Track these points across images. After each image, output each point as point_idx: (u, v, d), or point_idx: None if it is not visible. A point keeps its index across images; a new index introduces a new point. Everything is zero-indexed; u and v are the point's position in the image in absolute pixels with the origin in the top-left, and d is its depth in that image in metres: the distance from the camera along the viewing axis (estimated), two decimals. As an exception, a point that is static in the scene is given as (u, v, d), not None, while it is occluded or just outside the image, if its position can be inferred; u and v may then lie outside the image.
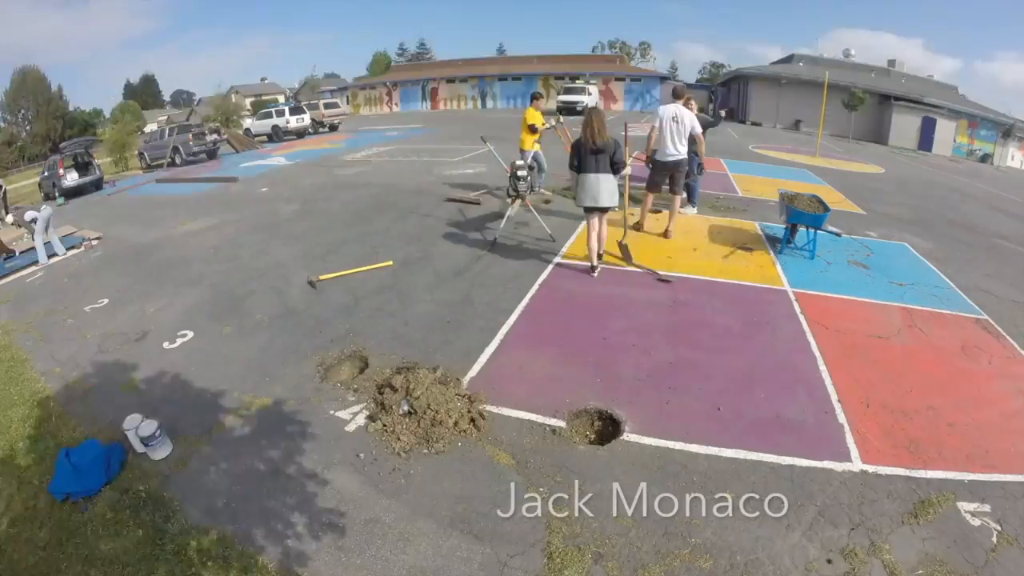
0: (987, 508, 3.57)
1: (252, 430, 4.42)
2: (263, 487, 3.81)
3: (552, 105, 40.62)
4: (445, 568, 3.19)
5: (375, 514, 3.54)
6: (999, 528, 3.41)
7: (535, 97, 10.67)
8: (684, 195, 9.34)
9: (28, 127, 56.20)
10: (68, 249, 10.13)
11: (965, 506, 3.59)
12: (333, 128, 33.57)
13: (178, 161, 22.70)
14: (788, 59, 46.70)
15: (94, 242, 10.63)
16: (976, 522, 3.46)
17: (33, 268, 9.36)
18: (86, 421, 4.68)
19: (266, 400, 4.78)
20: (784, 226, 8.14)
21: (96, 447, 4.08)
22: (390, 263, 7.63)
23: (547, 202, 10.70)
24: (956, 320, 6.32)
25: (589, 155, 6.63)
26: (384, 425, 4.29)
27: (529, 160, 9.40)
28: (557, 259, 7.67)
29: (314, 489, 3.78)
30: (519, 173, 8.27)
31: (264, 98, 63.52)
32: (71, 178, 18.49)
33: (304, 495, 3.73)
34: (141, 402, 4.86)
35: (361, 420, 4.44)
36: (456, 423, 4.30)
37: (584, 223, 7.53)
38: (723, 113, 39.49)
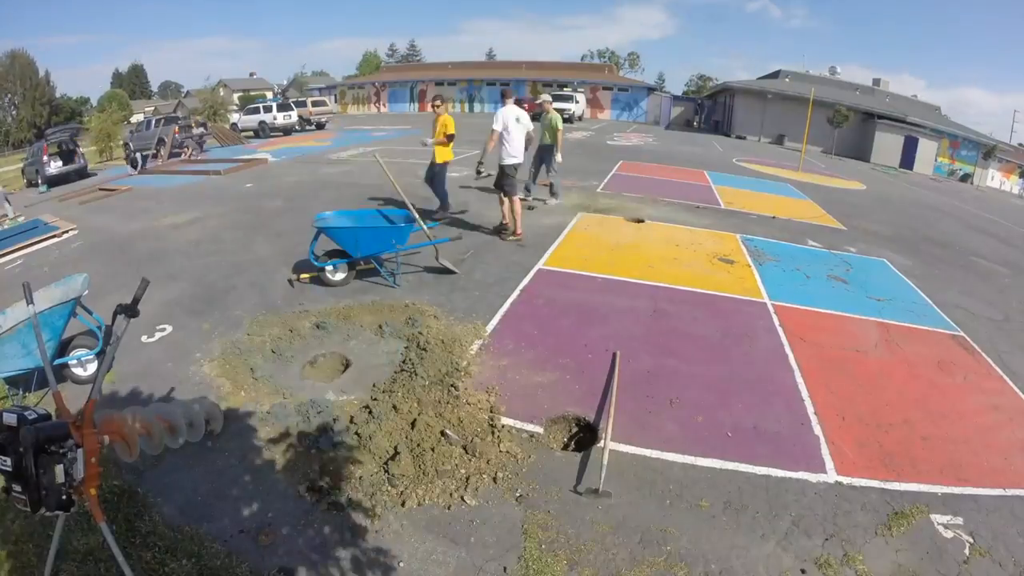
0: (960, 521, 3.62)
1: (230, 428, 4.36)
2: (238, 486, 3.77)
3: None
4: (421, 571, 3.17)
5: (350, 518, 3.51)
6: (971, 540, 3.46)
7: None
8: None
9: (14, 112, 55.45)
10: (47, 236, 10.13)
11: (938, 518, 3.63)
12: (320, 126, 33.46)
13: (163, 153, 22.42)
14: (775, 74, 47.24)
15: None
16: (949, 534, 3.51)
17: (12, 256, 9.27)
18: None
19: (244, 398, 4.73)
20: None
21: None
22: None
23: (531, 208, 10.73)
24: (932, 336, 6.41)
25: None
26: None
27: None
28: (539, 265, 7.68)
29: (289, 490, 3.74)
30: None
31: (252, 93, 63.22)
32: (55, 166, 18.27)
33: (279, 496, 3.69)
34: (120, 395, 4.81)
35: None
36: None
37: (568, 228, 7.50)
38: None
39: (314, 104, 35.49)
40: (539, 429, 4.36)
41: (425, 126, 11.52)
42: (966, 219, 16.24)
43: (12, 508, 3.67)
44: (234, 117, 35.16)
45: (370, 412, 4.43)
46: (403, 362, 5.17)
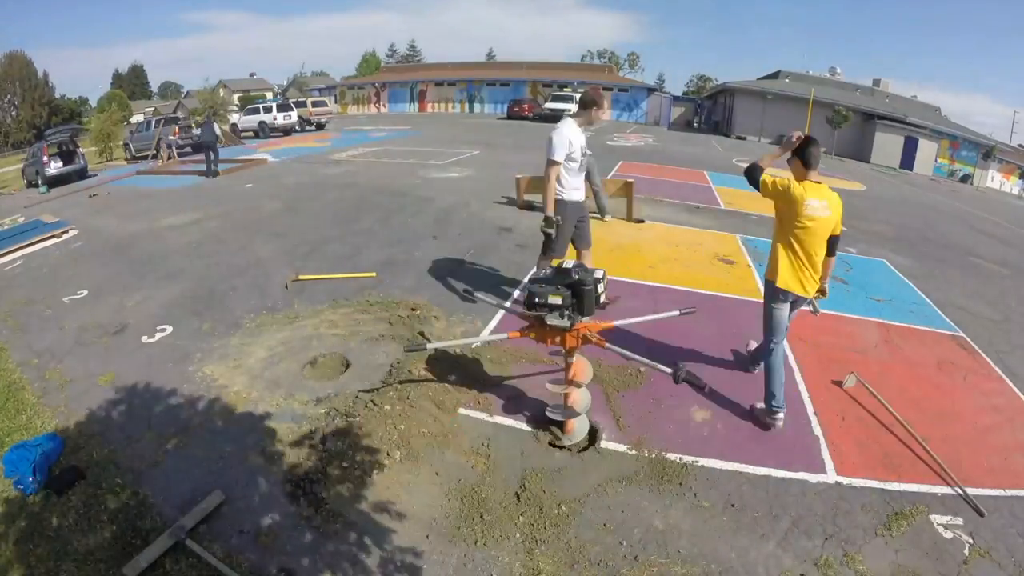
0: (959, 521, 3.61)
1: (230, 427, 4.37)
2: (238, 486, 3.77)
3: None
4: (421, 571, 3.17)
5: (347, 515, 3.52)
6: (971, 541, 3.46)
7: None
8: None
9: (13, 112, 55.50)
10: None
11: (938, 519, 3.63)
12: (320, 127, 33.49)
13: (163, 154, 22.37)
14: (775, 75, 47.26)
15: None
16: (948, 535, 3.51)
17: (12, 256, 9.25)
18: (61, 413, 4.61)
19: (245, 397, 4.73)
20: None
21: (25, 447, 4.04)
22: (373, 275, 7.48)
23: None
24: (932, 336, 6.41)
25: None
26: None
27: None
28: (541, 265, 7.67)
29: (288, 488, 3.74)
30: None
31: (252, 94, 63.33)
32: (55, 167, 18.26)
33: (281, 496, 3.69)
34: (118, 395, 4.81)
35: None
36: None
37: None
38: None
39: (314, 104, 35.55)
40: (536, 428, 4.36)
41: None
42: (966, 219, 16.24)
43: (19, 509, 3.68)
44: (234, 117, 35.20)
45: (371, 413, 4.43)
46: (404, 362, 5.18)
